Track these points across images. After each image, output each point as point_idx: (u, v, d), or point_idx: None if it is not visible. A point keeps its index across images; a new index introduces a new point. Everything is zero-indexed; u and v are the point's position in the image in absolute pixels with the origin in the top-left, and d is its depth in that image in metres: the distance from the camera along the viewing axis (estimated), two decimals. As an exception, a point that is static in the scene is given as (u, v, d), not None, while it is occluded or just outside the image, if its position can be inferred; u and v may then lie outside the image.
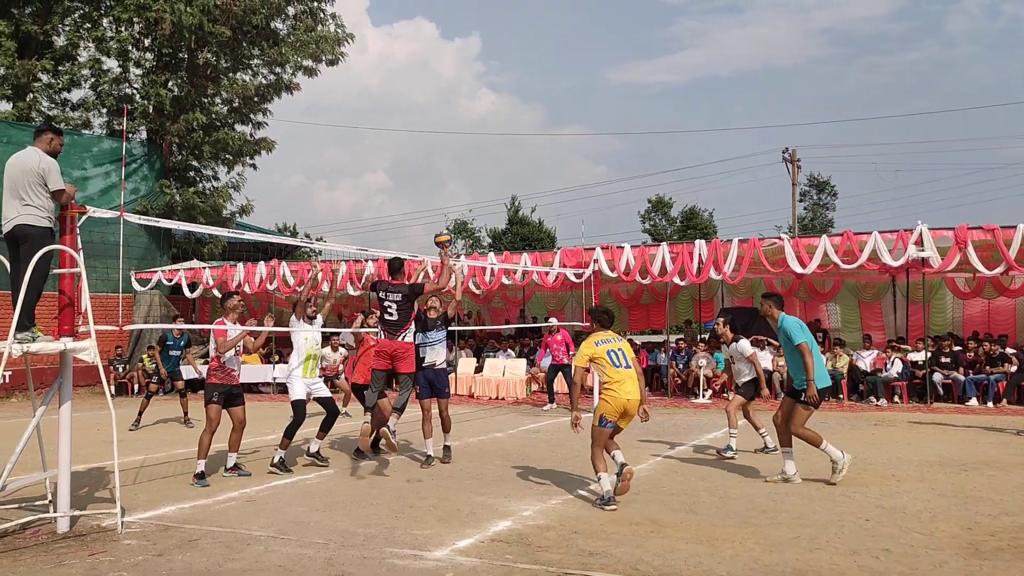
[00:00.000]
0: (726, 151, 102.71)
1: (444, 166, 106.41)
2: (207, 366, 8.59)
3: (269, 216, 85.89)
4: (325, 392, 9.40)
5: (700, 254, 16.80)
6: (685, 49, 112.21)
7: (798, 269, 16.04)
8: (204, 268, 22.27)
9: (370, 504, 7.24)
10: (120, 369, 20.94)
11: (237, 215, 26.28)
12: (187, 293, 22.03)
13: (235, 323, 8.65)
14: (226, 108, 25.68)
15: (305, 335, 9.29)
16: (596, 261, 17.66)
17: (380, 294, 8.89)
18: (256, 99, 25.88)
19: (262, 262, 21.39)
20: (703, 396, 16.78)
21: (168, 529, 6.40)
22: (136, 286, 22.22)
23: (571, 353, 16.69)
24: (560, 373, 16.19)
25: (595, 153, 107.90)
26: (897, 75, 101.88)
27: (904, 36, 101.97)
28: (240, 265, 21.51)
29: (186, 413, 13.85)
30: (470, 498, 7.43)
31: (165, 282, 22.21)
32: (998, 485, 7.78)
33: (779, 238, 16.88)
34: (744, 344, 10.09)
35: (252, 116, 26.33)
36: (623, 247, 17.74)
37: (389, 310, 8.73)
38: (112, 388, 19.80)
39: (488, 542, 5.88)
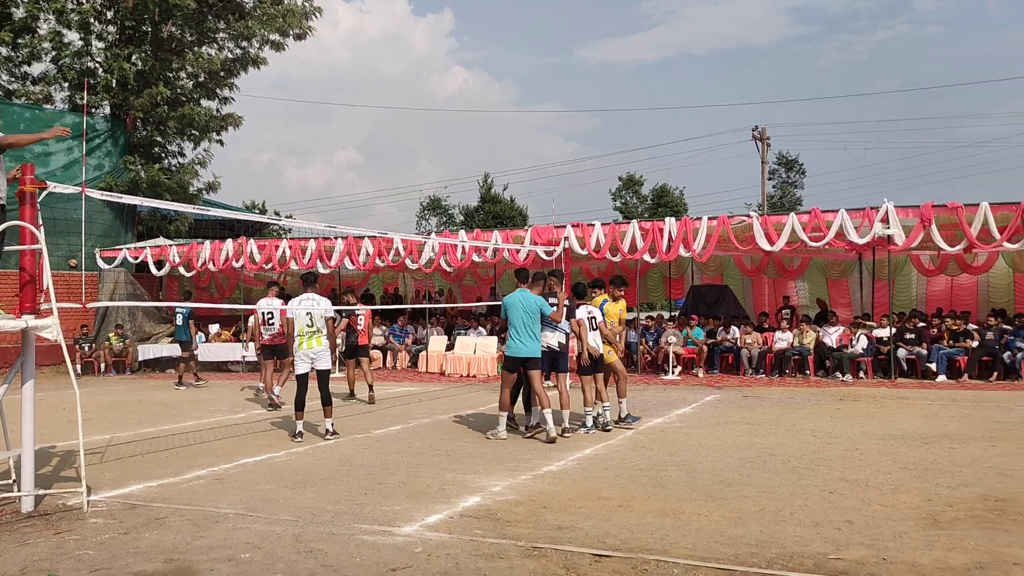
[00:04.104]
0: (698, 129, 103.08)
1: (416, 143, 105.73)
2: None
3: (239, 193, 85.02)
4: (323, 364, 9.81)
5: (670, 231, 16.89)
6: (657, 26, 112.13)
7: (766, 246, 16.20)
8: (171, 246, 21.98)
9: (340, 481, 7.24)
10: (86, 348, 20.65)
11: (204, 192, 25.91)
12: (153, 271, 21.75)
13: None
14: (191, 83, 25.18)
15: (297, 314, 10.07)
16: (567, 239, 17.71)
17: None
18: (222, 74, 25.41)
19: (229, 239, 21.17)
20: (672, 373, 16.93)
21: (135, 507, 6.35)
22: (101, 264, 21.90)
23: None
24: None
25: (567, 131, 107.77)
26: (868, 54, 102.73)
27: (875, 15, 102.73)
28: (207, 242, 21.26)
29: (196, 375, 17.05)
30: (440, 474, 7.46)
31: (131, 260, 21.91)
32: (957, 457, 7.96)
33: (748, 216, 17.01)
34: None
35: (218, 91, 25.86)
36: (594, 224, 17.79)
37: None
38: (78, 367, 19.53)
39: (457, 518, 5.90)
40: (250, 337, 15.77)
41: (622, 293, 10.71)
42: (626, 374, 10.56)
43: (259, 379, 15.21)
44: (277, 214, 42.45)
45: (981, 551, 4.98)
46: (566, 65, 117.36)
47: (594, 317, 9.96)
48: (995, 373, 15.21)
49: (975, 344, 15.58)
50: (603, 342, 10.08)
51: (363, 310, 14.09)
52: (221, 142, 25.99)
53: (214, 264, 20.93)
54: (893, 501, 6.24)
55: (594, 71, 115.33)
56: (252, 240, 21.12)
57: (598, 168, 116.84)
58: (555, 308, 9.52)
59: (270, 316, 12.81)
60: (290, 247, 20.53)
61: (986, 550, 5.00)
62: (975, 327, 16.15)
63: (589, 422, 9.83)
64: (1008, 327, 16.07)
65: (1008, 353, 15.37)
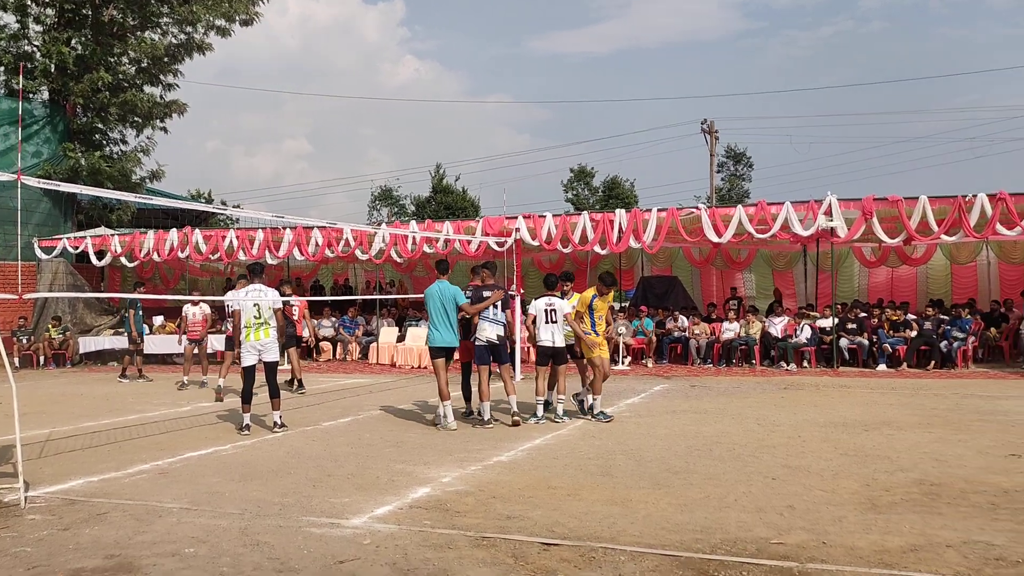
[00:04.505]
0: (649, 122, 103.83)
1: (367, 133, 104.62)
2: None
3: (186, 183, 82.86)
4: (271, 356, 9.68)
5: (620, 223, 17.03)
6: (608, 19, 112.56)
7: (714, 238, 16.43)
8: (112, 235, 21.44)
9: (287, 474, 7.16)
10: (24, 341, 20.05)
11: (147, 180, 25.29)
12: (94, 261, 21.21)
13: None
14: (134, 68, 24.54)
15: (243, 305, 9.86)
16: (518, 230, 17.71)
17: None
18: (166, 59, 24.80)
19: (174, 229, 20.74)
20: (622, 363, 17.08)
21: (75, 503, 6.20)
22: (40, 254, 21.25)
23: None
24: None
25: (519, 122, 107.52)
26: (812, 49, 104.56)
27: (819, 10, 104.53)
28: (150, 232, 20.80)
29: (140, 370, 16.05)
30: (389, 466, 7.42)
31: (71, 249, 21.33)
32: (895, 443, 8.19)
33: (696, 208, 17.24)
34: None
35: (162, 77, 25.23)
36: (545, 216, 17.85)
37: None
38: (16, 360, 18.97)
39: (407, 509, 5.89)
40: (183, 330, 15.40)
41: (608, 291, 10.72)
42: (603, 373, 10.20)
43: (200, 371, 14.94)
44: (224, 203, 41.67)
45: (916, 534, 5.14)
46: (517, 55, 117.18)
47: (554, 309, 9.93)
48: (932, 362, 15.67)
49: (914, 334, 16.03)
50: (582, 334, 10.07)
51: (298, 301, 14.49)
52: (165, 129, 25.32)
53: (158, 254, 20.51)
54: (833, 487, 6.40)
55: (546, 62, 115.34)
56: (198, 230, 20.72)
57: (550, 159, 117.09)
58: (488, 299, 9.61)
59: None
60: (237, 237, 20.19)
61: (921, 533, 5.16)
62: (914, 317, 16.61)
63: (540, 412, 9.87)
64: (945, 317, 16.58)
65: (945, 342, 15.85)
